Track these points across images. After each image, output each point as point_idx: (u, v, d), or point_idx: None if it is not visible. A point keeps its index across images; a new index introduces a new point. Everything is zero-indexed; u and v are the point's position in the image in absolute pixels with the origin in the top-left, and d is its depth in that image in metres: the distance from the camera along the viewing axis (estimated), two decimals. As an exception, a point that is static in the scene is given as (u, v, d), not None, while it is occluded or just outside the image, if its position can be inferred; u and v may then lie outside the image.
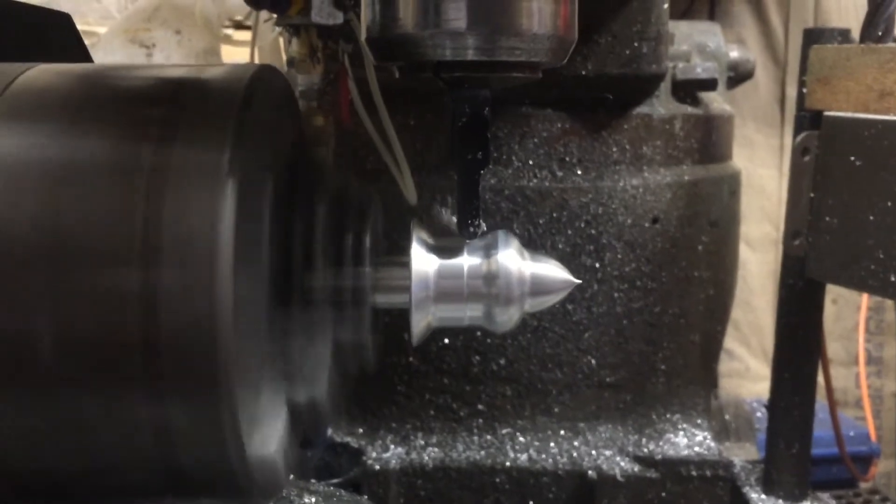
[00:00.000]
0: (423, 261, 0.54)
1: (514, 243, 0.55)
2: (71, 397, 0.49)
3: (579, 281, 0.57)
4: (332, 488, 0.90)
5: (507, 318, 0.55)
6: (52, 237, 0.48)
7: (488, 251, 0.54)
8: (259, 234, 0.53)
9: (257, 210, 0.52)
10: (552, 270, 0.55)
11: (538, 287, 0.54)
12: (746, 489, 1.20)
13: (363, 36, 0.48)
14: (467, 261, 0.54)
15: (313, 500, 0.84)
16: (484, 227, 0.52)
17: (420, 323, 0.55)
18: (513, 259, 0.54)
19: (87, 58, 0.69)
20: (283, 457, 0.59)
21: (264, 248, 0.53)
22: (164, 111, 0.51)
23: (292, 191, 0.57)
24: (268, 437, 0.56)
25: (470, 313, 0.55)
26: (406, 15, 0.45)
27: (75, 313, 0.48)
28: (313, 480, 0.93)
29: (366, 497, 1.01)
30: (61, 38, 0.67)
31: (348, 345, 0.58)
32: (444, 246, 0.54)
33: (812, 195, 1.11)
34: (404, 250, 0.55)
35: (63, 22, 0.67)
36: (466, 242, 0.54)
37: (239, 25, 1.79)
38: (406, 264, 0.54)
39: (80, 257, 0.48)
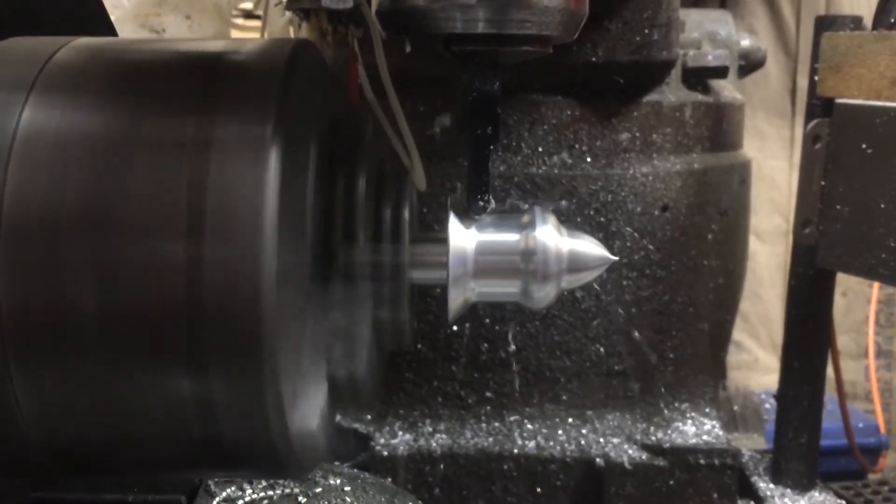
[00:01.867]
0: (461, 237, 0.53)
1: (552, 219, 0.54)
2: (114, 369, 0.49)
3: (616, 258, 0.56)
4: (356, 470, 0.90)
5: (544, 294, 0.55)
6: (98, 209, 0.48)
7: (525, 227, 0.54)
8: (302, 207, 0.52)
9: (300, 182, 0.52)
10: (589, 247, 0.55)
11: (575, 263, 0.54)
12: (754, 478, 1.20)
13: (374, 9, 0.48)
14: (505, 237, 0.54)
15: (338, 481, 0.84)
16: (493, 202, 0.52)
17: (457, 299, 0.55)
18: (550, 235, 0.53)
19: (113, 33, 0.69)
20: (322, 430, 0.59)
21: (307, 220, 0.53)
22: (205, 84, 0.51)
23: (333, 163, 0.56)
24: (308, 409, 0.56)
25: (507, 290, 0.55)
26: (417, -13, 0.45)
27: (120, 284, 0.48)
28: (337, 462, 0.93)
29: (389, 480, 1.01)
30: (90, 16, 0.67)
31: (386, 320, 0.57)
32: (482, 222, 0.54)
33: (823, 183, 1.10)
34: (441, 226, 0.54)
35: (92, 2, 0.67)
36: (503, 219, 0.54)
37: (248, 15, 1.79)
38: (444, 240, 0.54)
39: (125, 229, 0.48)
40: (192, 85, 0.51)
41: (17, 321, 0.48)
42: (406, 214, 0.58)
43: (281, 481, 0.78)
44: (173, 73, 0.53)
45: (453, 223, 0.54)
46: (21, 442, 0.52)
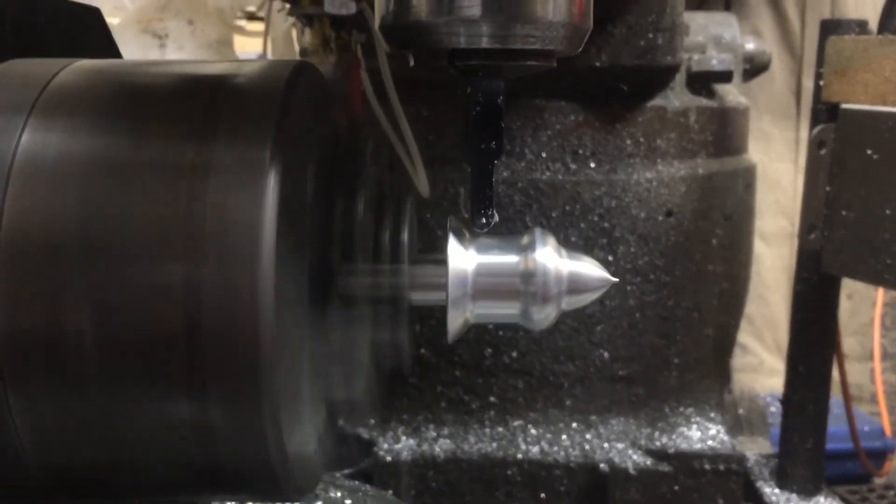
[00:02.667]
0: (460, 258, 0.53)
1: (552, 241, 0.54)
2: (112, 393, 0.49)
3: (616, 279, 0.56)
4: (357, 483, 0.90)
5: (544, 316, 0.54)
6: (96, 233, 0.48)
7: (525, 249, 0.54)
8: (300, 230, 0.52)
9: (298, 206, 0.52)
10: (589, 268, 0.55)
11: (575, 285, 0.54)
12: (760, 483, 1.20)
13: (377, 23, 0.47)
14: (504, 258, 0.54)
15: (339, 494, 0.84)
16: (497, 217, 0.52)
17: (457, 321, 0.54)
18: (550, 257, 0.53)
19: (115, 52, 0.69)
20: (320, 453, 0.58)
21: (305, 244, 0.53)
22: (203, 107, 0.51)
23: (331, 186, 0.56)
24: (307, 433, 0.55)
25: (507, 311, 0.54)
26: (420, 2, 0.45)
27: (118, 309, 0.48)
28: (337, 474, 0.94)
29: (391, 492, 1.01)
30: (91, 34, 0.67)
31: (385, 342, 0.57)
32: (481, 243, 0.54)
33: (828, 189, 1.10)
34: (440, 246, 0.54)
35: (93, 17, 0.67)
36: (502, 241, 0.53)
37: (251, 16, 1.79)
38: (443, 261, 0.54)
39: (123, 253, 0.48)
40: (192, 108, 0.51)
41: (15, 345, 0.48)
42: (405, 236, 0.58)
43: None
44: (173, 96, 0.53)
45: (453, 244, 0.54)
46: (18, 466, 0.51)
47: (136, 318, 0.48)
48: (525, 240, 0.55)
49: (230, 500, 0.64)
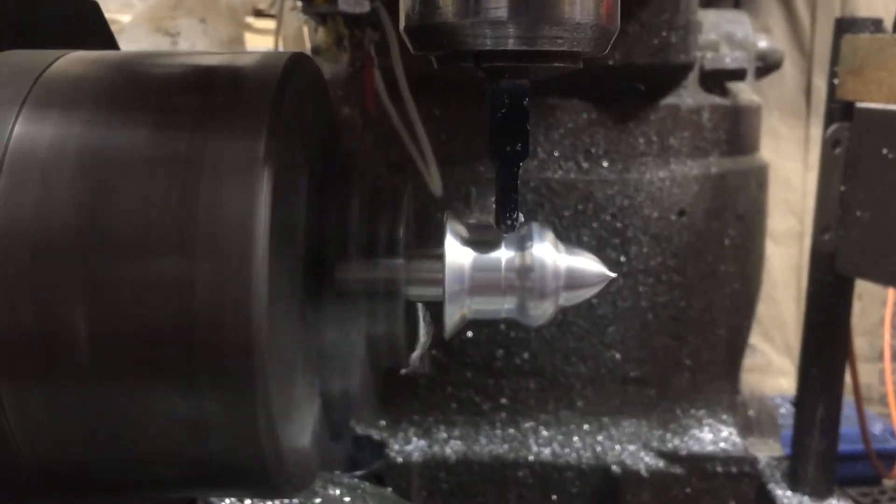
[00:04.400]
0: (457, 253, 0.53)
1: (550, 236, 0.53)
2: (106, 389, 0.48)
3: (614, 275, 0.55)
4: (356, 480, 0.89)
5: (542, 311, 0.54)
6: (88, 227, 0.47)
7: (523, 244, 0.53)
8: (294, 225, 0.52)
9: (292, 200, 0.51)
10: (587, 264, 0.54)
11: (573, 280, 0.53)
12: (771, 485, 1.19)
13: (401, 25, 0.47)
14: (502, 254, 0.53)
15: (338, 491, 0.83)
16: (522, 219, 0.51)
17: (453, 316, 0.54)
18: (548, 252, 0.53)
19: (114, 46, 0.68)
20: (315, 449, 0.58)
21: (299, 238, 0.52)
22: (197, 99, 0.50)
23: (326, 180, 0.56)
24: (300, 429, 0.55)
25: (504, 307, 0.54)
26: (446, 3, 0.44)
27: (110, 304, 0.47)
28: (338, 472, 0.93)
29: (390, 490, 1.01)
30: (89, 27, 0.66)
31: (381, 338, 0.57)
32: (478, 238, 0.53)
33: (842, 188, 1.09)
34: (437, 241, 0.53)
35: (91, 10, 0.66)
36: (501, 235, 0.53)
37: (259, 13, 1.78)
38: (440, 256, 0.53)
39: (116, 247, 0.47)
40: (186, 100, 0.51)
41: (6, 340, 0.48)
42: (402, 230, 0.57)
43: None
44: (166, 87, 0.52)
45: (449, 239, 0.53)
46: (12, 462, 0.51)
47: (127, 312, 0.47)
48: (523, 234, 0.54)
49: (224, 496, 0.64)
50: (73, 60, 0.54)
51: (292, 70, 0.52)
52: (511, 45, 0.44)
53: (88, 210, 0.47)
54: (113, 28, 0.70)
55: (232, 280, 0.46)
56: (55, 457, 0.51)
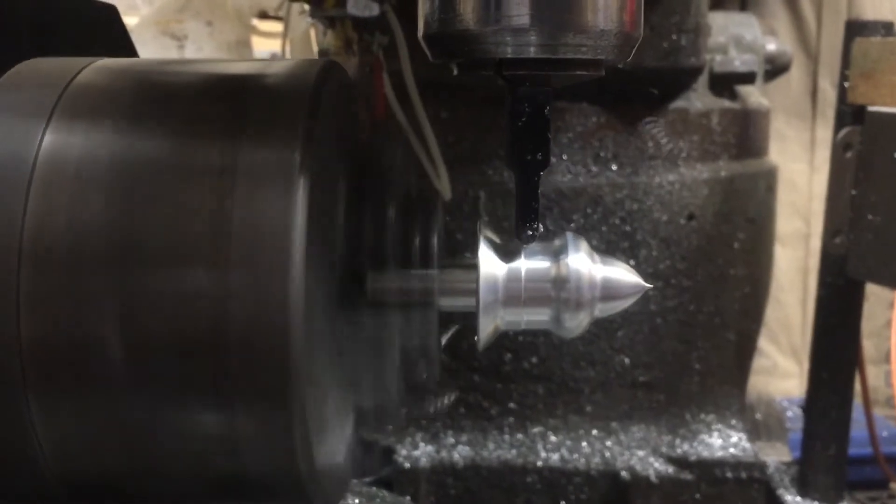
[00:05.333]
0: (491, 264, 0.52)
1: (584, 246, 0.53)
2: (136, 401, 0.48)
3: (650, 285, 0.54)
4: (374, 489, 0.89)
5: (577, 323, 0.53)
6: (121, 238, 0.46)
7: (558, 254, 0.52)
8: (330, 234, 0.51)
9: (328, 211, 0.50)
10: (623, 274, 0.53)
11: (609, 291, 0.52)
12: (781, 491, 1.18)
13: (420, 33, 0.46)
14: (536, 264, 0.52)
15: (357, 501, 0.83)
16: (542, 229, 0.50)
17: (487, 327, 0.53)
18: (583, 262, 0.52)
19: (132, 50, 0.68)
20: (348, 463, 0.57)
21: (336, 248, 0.52)
22: (229, 109, 0.49)
23: (361, 188, 0.55)
24: (334, 443, 0.54)
25: (538, 318, 0.53)
26: (466, 10, 0.43)
27: (143, 315, 0.46)
28: (355, 480, 0.93)
29: (408, 498, 1.00)
30: (107, 31, 0.65)
31: (415, 349, 0.56)
32: (512, 249, 0.52)
33: (853, 192, 1.08)
34: (464, 250, 0.53)
35: (109, 14, 0.66)
36: (534, 246, 0.52)
37: (264, 15, 1.77)
38: (473, 267, 0.52)
39: (149, 258, 0.46)
40: (218, 109, 0.50)
41: (38, 352, 0.47)
42: (435, 240, 0.56)
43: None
44: (198, 96, 0.52)
45: (483, 249, 0.52)
46: (38, 474, 0.50)
47: (161, 324, 0.46)
48: (557, 244, 0.53)
49: None
50: (100, 69, 0.53)
51: (326, 78, 0.51)
52: (533, 52, 0.43)
53: (120, 221, 0.47)
54: (119, 31, 0.69)
55: (268, 293, 0.45)
56: (83, 470, 0.51)
